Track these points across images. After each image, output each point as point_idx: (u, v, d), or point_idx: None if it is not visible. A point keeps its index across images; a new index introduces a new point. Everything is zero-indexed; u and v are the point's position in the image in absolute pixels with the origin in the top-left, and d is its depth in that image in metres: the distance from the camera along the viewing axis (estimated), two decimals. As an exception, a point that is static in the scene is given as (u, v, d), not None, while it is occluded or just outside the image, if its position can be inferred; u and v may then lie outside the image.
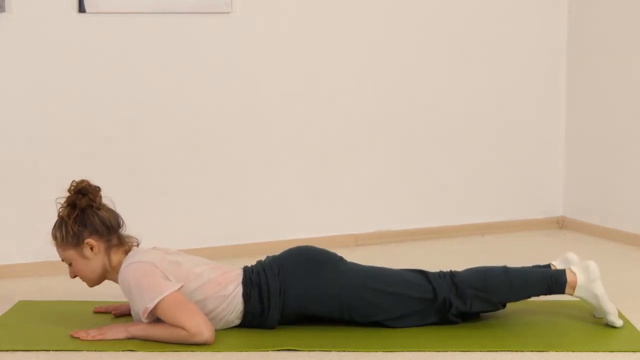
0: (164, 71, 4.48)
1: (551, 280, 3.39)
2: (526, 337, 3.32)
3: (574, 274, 3.40)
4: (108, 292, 3.96)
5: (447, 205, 5.10)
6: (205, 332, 3.20)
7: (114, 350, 3.19)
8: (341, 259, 3.44)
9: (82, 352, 3.19)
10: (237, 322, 3.38)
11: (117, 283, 3.39)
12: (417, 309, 3.38)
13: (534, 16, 5.16)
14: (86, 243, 3.35)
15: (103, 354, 3.17)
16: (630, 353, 3.18)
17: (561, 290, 3.40)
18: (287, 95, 4.72)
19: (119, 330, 3.30)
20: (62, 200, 3.39)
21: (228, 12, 4.54)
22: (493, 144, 5.17)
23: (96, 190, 3.39)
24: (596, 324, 3.44)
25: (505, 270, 3.42)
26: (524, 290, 3.40)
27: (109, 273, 3.40)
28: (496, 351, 3.19)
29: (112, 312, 3.61)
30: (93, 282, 3.44)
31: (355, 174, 4.89)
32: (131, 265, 3.28)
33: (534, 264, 3.63)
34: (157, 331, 3.27)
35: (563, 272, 3.42)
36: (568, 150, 5.28)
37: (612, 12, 4.95)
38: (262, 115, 4.68)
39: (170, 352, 3.17)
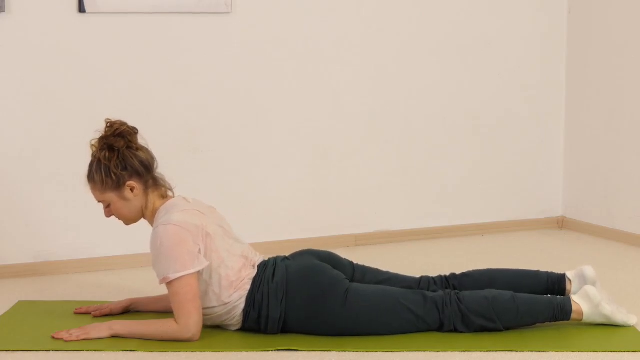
0: (163, 71, 4.48)
1: (557, 309, 3.36)
2: (526, 337, 3.32)
3: (578, 304, 3.39)
4: (108, 291, 3.98)
5: (447, 205, 5.10)
6: (193, 329, 3.22)
7: (114, 350, 3.19)
8: (348, 289, 3.32)
9: (82, 352, 3.18)
10: (233, 329, 3.38)
11: (151, 225, 3.39)
12: (420, 332, 3.37)
13: (533, 15, 5.17)
14: (127, 185, 3.33)
15: (103, 354, 3.17)
16: (630, 353, 3.18)
17: (566, 318, 3.38)
18: (287, 95, 4.72)
19: (101, 329, 3.30)
20: (95, 142, 3.36)
21: (228, 12, 4.54)
22: (493, 144, 5.17)
23: (134, 132, 3.38)
24: (596, 324, 3.44)
25: (512, 297, 3.36)
26: (529, 317, 3.37)
27: (145, 214, 3.40)
28: (496, 351, 3.19)
29: (92, 312, 3.60)
30: (130, 222, 3.43)
31: (355, 174, 4.89)
32: (170, 226, 3.24)
33: (547, 271, 3.62)
34: (140, 328, 3.29)
35: (569, 300, 3.40)
36: (568, 150, 5.28)
37: (612, 12, 4.95)
38: (262, 115, 4.69)
39: (171, 352, 3.17)
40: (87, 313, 3.62)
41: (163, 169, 4.48)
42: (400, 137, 4.97)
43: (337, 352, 3.19)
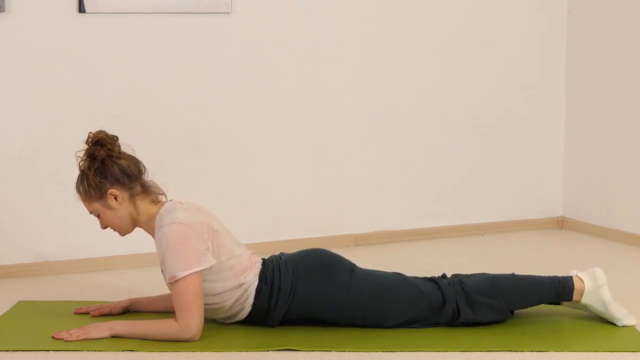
0: (163, 71, 4.48)
1: (559, 286, 3.39)
2: (526, 337, 3.32)
3: (582, 280, 3.41)
4: (108, 291, 3.98)
5: (447, 205, 5.10)
6: (193, 329, 3.23)
7: (114, 350, 3.19)
8: (354, 265, 3.44)
9: (82, 352, 3.18)
10: (243, 316, 3.40)
11: (148, 232, 3.40)
12: (424, 316, 3.38)
13: (533, 15, 5.17)
14: (109, 194, 3.33)
15: (103, 354, 3.17)
16: (630, 353, 3.18)
17: (569, 296, 3.41)
18: (287, 95, 4.72)
19: (101, 329, 3.30)
20: (81, 154, 3.37)
21: (228, 12, 4.54)
22: (493, 144, 5.17)
23: (114, 139, 3.38)
24: (596, 324, 3.44)
25: (513, 276, 3.42)
26: (532, 296, 3.40)
27: (137, 221, 3.40)
28: (496, 351, 3.19)
29: (92, 312, 3.61)
30: (124, 231, 3.43)
31: (355, 174, 4.89)
32: (175, 225, 3.25)
33: (554, 275, 3.61)
34: (140, 328, 3.29)
35: (570, 278, 3.43)
36: (568, 150, 5.28)
37: (612, 12, 4.95)
38: (262, 115, 4.69)
39: (171, 352, 3.17)
40: (86, 313, 3.62)
41: (163, 169, 4.50)
42: (400, 137, 4.97)
43: (337, 352, 3.19)
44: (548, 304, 3.48)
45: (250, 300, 3.36)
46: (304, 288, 3.35)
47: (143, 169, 3.43)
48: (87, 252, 4.40)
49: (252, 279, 3.35)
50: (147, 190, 3.42)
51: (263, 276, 3.36)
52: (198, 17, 4.50)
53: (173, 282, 3.24)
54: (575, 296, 3.41)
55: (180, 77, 4.51)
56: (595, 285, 3.40)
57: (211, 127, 4.59)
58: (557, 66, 5.24)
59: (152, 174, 4.42)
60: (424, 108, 5.00)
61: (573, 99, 5.23)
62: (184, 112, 4.54)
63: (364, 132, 4.89)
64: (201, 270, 3.25)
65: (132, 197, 3.37)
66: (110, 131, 4.33)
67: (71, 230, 4.38)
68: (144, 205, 3.39)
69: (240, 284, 3.34)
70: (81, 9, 4.28)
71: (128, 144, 3.43)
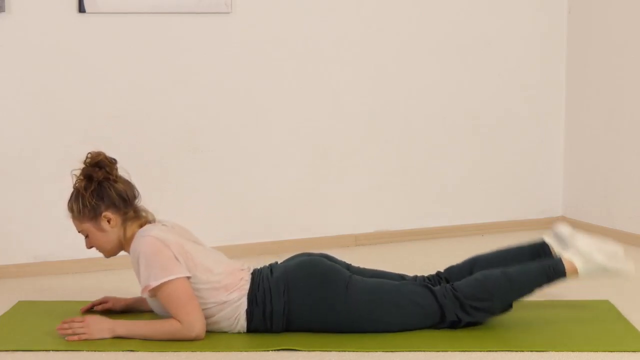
0: (163, 71, 4.48)
1: (549, 271, 3.37)
2: (526, 337, 3.32)
3: (570, 262, 3.38)
4: (108, 291, 3.98)
5: (447, 205, 5.10)
6: (197, 327, 3.21)
7: (114, 351, 3.19)
8: (350, 277, 3.34)
9: (82, 352, 3.18)
10: (242, 331, 3.38)
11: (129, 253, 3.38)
12: (422, 327, 3.36)
13: (533, 15, 5.17)
14: (103, 216, 3.33)
15: (103, 354, 3.17)
16: (630, 353, 3.18)
17: (562, 277, 3.38)
18: (287, 95, 4.72)
19: (104, 330, 3.28)
20: (78, 172, 3.36)
21: (228, 12, 4.54)
22: (493, 144, 5.17)
23: (112, 162, 3.37)
24: (596, 324, 3.44)
25: (502, 273, 3.37)
26: (525, 287, 3.37)
27: (124, 245, 3.38)
28: (496, 351, 3.19)
29: (96, 308, 3.61)
30: (109, 253, 3.42)
31: (355, 174, 4.89)
32: (147, 237, 3.24)
33: (529, 243, 3.60)
34: (143, 329, 3.28)
35: (559, 260, 3.39)
36: (568, 149, 5.28)
37: (612, 12, 4.96)
38: (262, 115, 4.69)
39: (171, 352, 3.17)
40: (91, 308, 3.62)
41: (163, 169, 4.51)
42: (400, 137, 4.97)
43: (337, 352, 3.19)
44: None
45: (243, 322, 3.32)
46: (296, 309, 3.30)
47: (137, 194, 3.42)
48: (87, 252, 4.39)
49: (238, 299, 3.30)
50: (139, 216, 3.41)
51: (252, 297, 3.30)
52: (198, 17, 4.50)
53: (156, 293, 3.21)
54: (569, 275, 3.37)
55: (180, 77, 4.51)
56: (584, 260, 3.37)
57: (211, 127, 4.59)
58: (557, 66, 5.24)
59: (152, 174, 4.45)
60: (424, 108, 5.00)
61: (573, 99, 5.23)
62: (184, 112, 4.54)
63: (364, 132, 4.90)
64: (184, 277, 3.21)
65: (124, 222, 3.36)
66: (110, 130, 4.38)
67: (71, 230, 4.35)
68: (132, 230, 3.37)
69: (224, 302, 3.29)
70: (81, 9, 4.28)
71: (124, 168, 3.41)
